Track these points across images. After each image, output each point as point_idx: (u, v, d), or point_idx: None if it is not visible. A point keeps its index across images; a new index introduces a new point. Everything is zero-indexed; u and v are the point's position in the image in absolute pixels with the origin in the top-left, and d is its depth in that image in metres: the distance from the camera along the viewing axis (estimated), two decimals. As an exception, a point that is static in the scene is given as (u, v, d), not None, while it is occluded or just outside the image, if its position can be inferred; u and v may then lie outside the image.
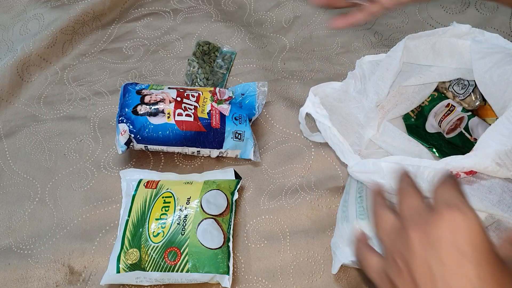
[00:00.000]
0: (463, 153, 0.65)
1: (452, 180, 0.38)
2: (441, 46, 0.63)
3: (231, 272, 0.67)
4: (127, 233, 0.69)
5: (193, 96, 0.80)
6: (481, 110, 0.66)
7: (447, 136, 0.66)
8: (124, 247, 0.68)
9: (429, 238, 0.35)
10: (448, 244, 0.34)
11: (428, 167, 0.52)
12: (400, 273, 0.36)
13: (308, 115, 0.67)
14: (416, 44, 0.64)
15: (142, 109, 0.77)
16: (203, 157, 0.81)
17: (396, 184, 0.40)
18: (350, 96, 0.69)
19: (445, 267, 0.34)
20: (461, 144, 0.65)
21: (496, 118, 0.58)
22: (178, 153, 0.81)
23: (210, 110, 0.79)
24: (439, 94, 0.68)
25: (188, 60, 0.91)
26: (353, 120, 0.69)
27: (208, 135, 0.77)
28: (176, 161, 0.81)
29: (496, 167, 0.51)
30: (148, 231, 0.68)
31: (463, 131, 0.66)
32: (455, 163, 0.52)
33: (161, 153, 0.82)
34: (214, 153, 0.79)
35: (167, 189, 0.72)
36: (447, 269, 0.33)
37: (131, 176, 0.77)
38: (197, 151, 0.79)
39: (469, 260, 0.33)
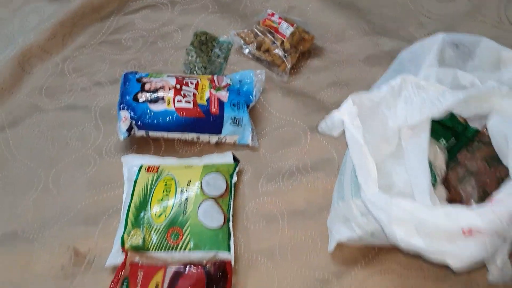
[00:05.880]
0: (454, 134, 0.68)
1: None
2: None
3: (232, 250, 0.69)
4: (130, 215, 0.71)
5: (191, 83, 0.82)
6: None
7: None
8: (128, 229, 0.70)
9: None
10: None
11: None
12: None
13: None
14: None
15: (142, 96, 0.79)
16: (202, 143, 0.83)
17: None
18: (380, 111, 0.62)
19: None
20: (452, 124, 0.67)
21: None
22: (178, 139, 0.83)
23: (208, 97, 0.81)
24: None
25: (186, 49, 0.93)
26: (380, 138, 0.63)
27: (207, 121, 0.79)
28: (176, 147, 0.83)
29: None
30: (151, 212, 0.70)
31: (453, 112, 0.68)
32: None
33: (161, 139, 0.84)
34: (213, 138, 0.81)
35: (168, 172, 0.74)
36: None
37: (132, 161, 0.79)
38: (197, 137, 0.81)
39: None
